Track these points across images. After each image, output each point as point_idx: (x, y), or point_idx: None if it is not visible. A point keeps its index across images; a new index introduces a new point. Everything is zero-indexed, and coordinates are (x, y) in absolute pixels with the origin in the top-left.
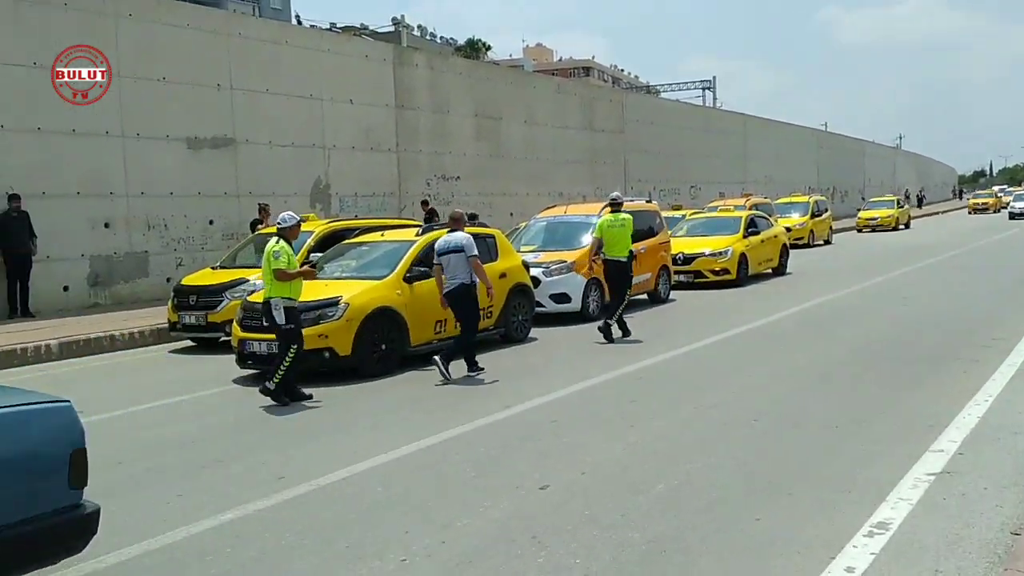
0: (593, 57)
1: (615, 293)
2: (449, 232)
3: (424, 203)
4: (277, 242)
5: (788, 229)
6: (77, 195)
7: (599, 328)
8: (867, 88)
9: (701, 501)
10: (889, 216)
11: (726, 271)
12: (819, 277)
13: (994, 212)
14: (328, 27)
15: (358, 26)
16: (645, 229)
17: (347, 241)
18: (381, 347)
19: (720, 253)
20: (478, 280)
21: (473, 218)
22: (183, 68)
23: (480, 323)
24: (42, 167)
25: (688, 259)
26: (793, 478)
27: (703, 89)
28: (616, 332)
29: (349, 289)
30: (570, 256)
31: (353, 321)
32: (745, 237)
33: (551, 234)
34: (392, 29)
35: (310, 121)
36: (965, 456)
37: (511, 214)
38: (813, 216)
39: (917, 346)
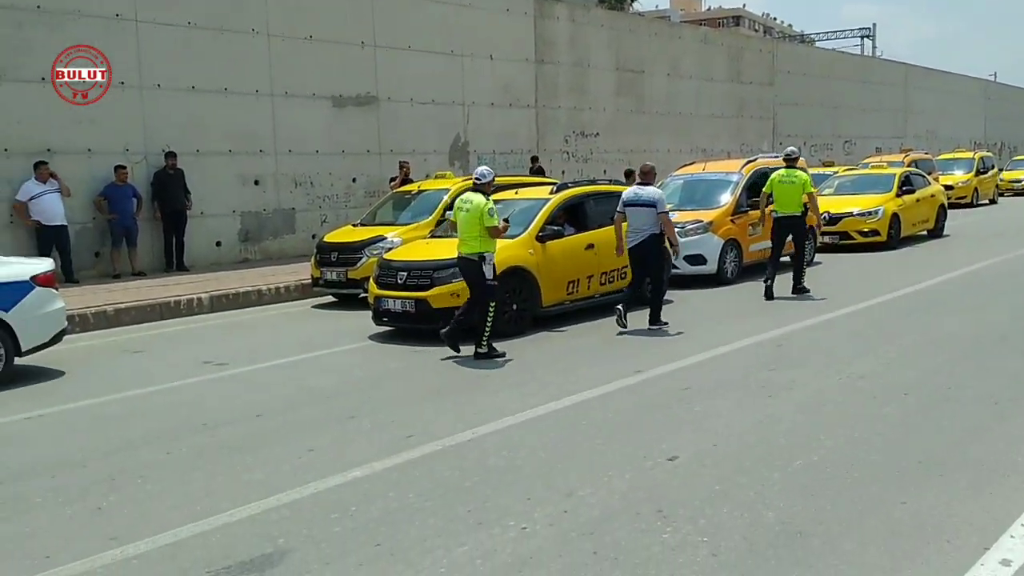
0: (744, 5)
1: (796, 251)
2: (639, 185)
3: (534, 158)
4: (486, 198)
5: (949, 187)
6: (229, 153)
7: (767, 286)
8: None
9: (843, 480)
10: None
11: (876, 232)
12: (979, 240)
13: None
14: None
15: None
16: None
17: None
18: (513, 307)
19: (870, 213)
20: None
21: (629, 176)
22: (328, 26)
23: (612, 284)
24: (196, 125)
25: (834, 219)
26: (945, 458)
27: (862, 37)
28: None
29: None
30: (707, 216)
31: None
32: (898, 196)
33: (688, 193)
34: None
35: (450, 78)
36: None
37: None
38: (978, 173)
39: None
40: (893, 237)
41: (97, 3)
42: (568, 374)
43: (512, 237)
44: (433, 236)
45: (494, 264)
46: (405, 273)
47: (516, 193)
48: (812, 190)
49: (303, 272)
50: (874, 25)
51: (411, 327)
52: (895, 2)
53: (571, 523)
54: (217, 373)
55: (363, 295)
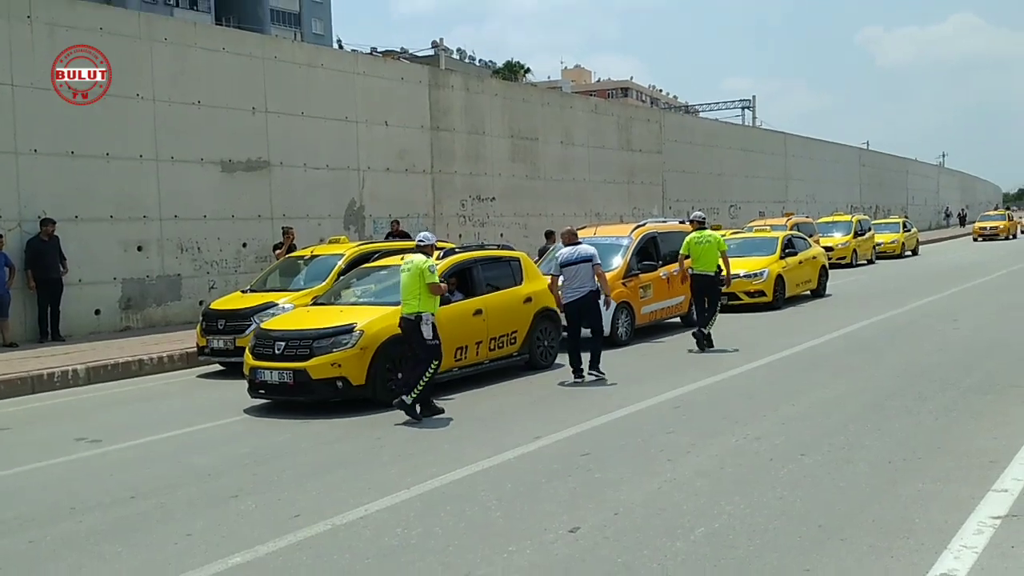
0: (631, 78)
1: (709, 305)
2: (571, 245)
3: (394, 223)
4: (425, 260)
5: (830, 249)
6: (110, 219)
7: (693, 334)
8: (909, 107)
9: (744, 548)
10: (894, 242)
11: (762, 293)
12: (860, 300)
13: (1008, 238)
14: (369, 52)
15: (398, 50)
16: (676, 251)
17: (367, 265)
18: (397, 376)
19: (755, 274)
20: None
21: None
22: (218, 92)
23: (502, 350)
24: (75, 191)
25: None
26: (845, 521)
27: (742, 108)
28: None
29: (364, 315)
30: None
31: (367, 350)
32: (782, 258)
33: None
34: (432, 53)
35: (345, 143)
36: None
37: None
38: (856, 235)
39: (971, 373)
40: (778, 298)
41: None
42: (463, 442)
43: (396, 304)
44: (316, 303)
45: (433, 323)
46: (283, 343)
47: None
48: (725, 248)
49: (188, 340)
50: (753, 97)
51: (289, 400)
52: (774, 76)
53: None
54: (90, 451)
55: None
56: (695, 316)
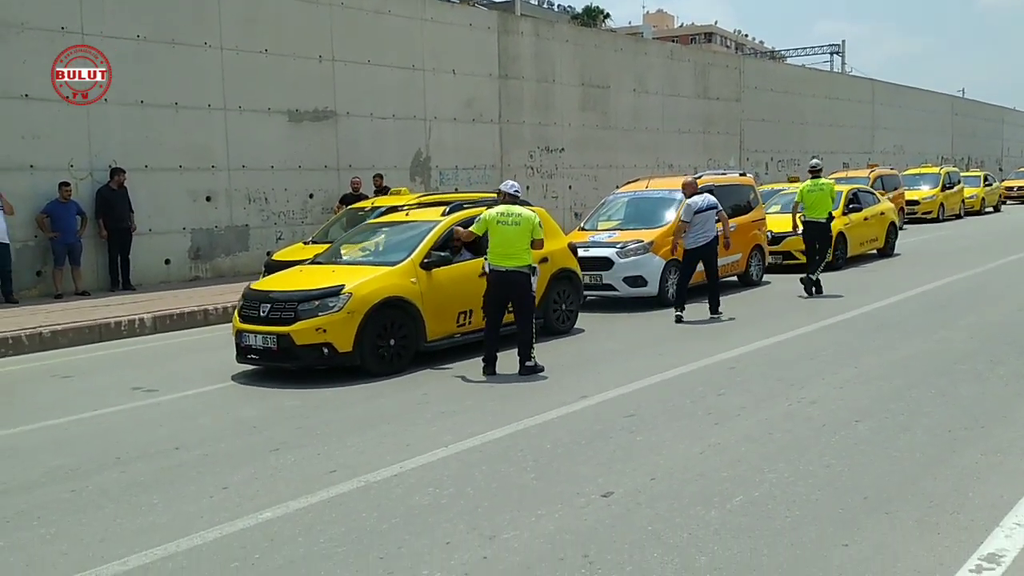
0: (716, 22)
1: (819, 251)
2: (695, 195)
3: (377, 177)
4: (534, 214)
5: (915, 203)
6: (179, 168)
7: (801, 280)
8: (1009, 52)
9: (782, 519)
10: (972, 197)
11: None
12: (936, 258)
13: None
14: None
15: None
16: (738, 204)
17: (371, 220)
18: (390, 342)
19: None
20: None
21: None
22: (285, 40)
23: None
24: (145, 140)
25: (777, 238)
26: (893, 493)
27: (831, 54)
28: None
29: (355, 276)
30: (648, 235)
31: (355, 314)
32: (845, 214)
33: (631, 211)
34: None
35: (411, 92)
36: None
37: (617, 186)
38: (944, 188)
39: None
40: (839, 257)
41: (42, 15)
42: (508, 401)
43: (393, 264)
44: (315, 261)
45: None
46: (268, 305)
47: (407, 214)
48: (834, 194)
49: None
50: (843, 42)
51: (275, 366)
52: (865, 20)
53: (488, 572)
54: (143, 400)
55: None
56: (808, 263)
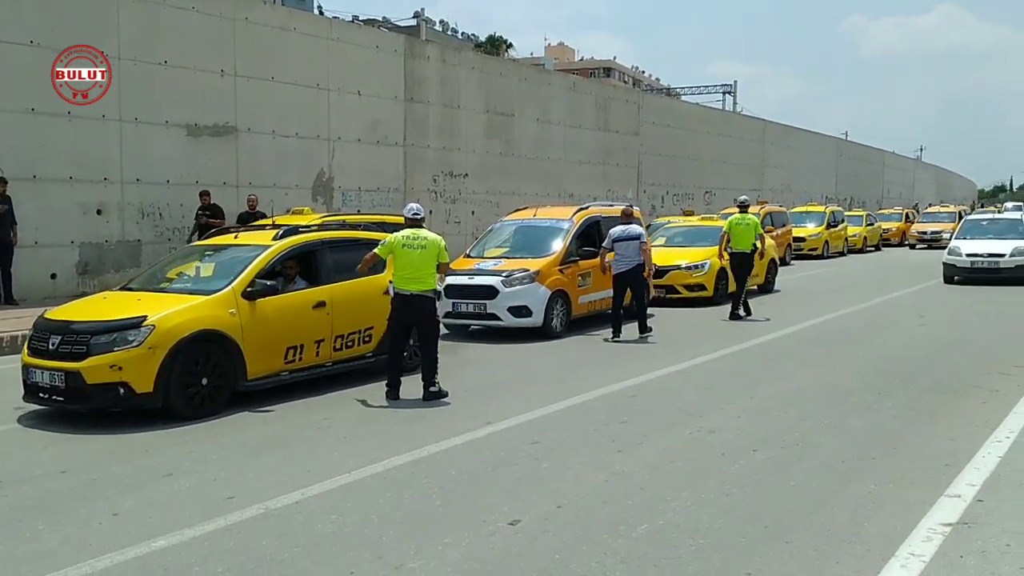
0: (615, 58)
1: (739, 280)
2: (625, 224)
3: (204, 194)
4: (440, 237)
5: (802, 239)
6: (70, 179)
7: (731, 315)
8: (890, 98)
9: (686, 547)
10: (855, 235)
11: (701, 287)
12: (823, 294)
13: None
14: (351, 19)
15: (380, 19)
16: None
17: (197, 242)
18: (202, 381)
19: (696, 266)
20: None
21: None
22: (186, 52)
23: (351, 349)
24: (35, 150)
25: (660, 272)
26: (792, 522)
27: (723, 93)
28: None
29: (162, 306)
30: (535, 264)
31: (158, 349)
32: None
33: (518, 239)
34: (414, 23)
35: (315, 111)
36: (985, 504)
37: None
38: (829, 227)
39: (934, 371)
40: (720, 292)
41: None
42: (412, 425)
43: (210, 293)
44: (125, 288)
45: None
46: (58, 337)
47: (235, 237)
48: (761, 231)
49: None
50: (735, 82)
51: (62, 408)
52: (757, 62)
53: None
54: (27, 421)
55: None
56: (737, 290)
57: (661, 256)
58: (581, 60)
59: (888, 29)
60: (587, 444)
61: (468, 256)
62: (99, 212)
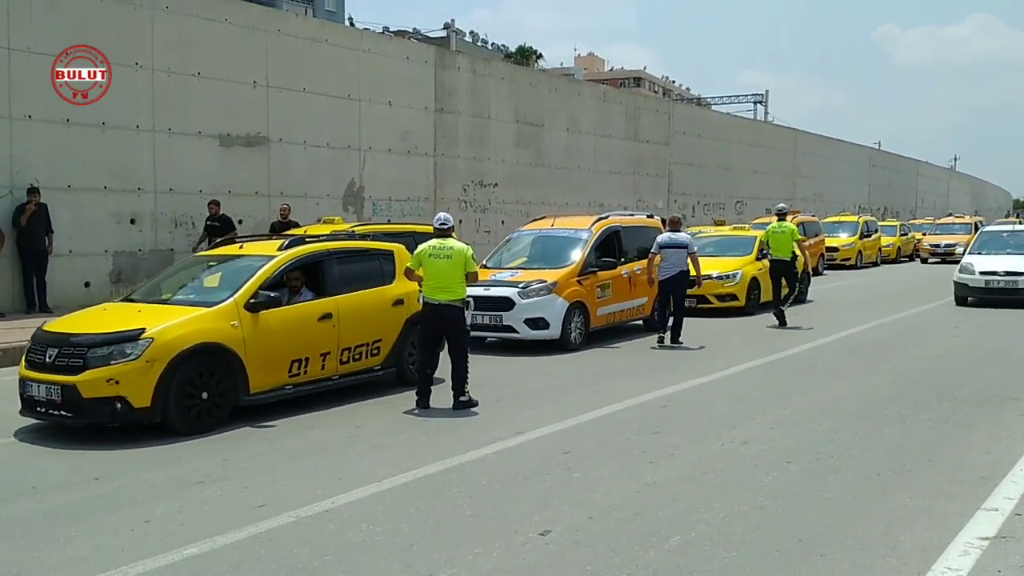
0: (645, 68)
1: (787, 285)
2: (672, 232)
3: (213, 204)
4: (467, 247)
5: (835, 249)
6: (104, 189)
7: (774, 313)
8: (923, 108)
9: (719, 560)
10: (889, 246)
11: (733, 296)
12: (856, 304)
13: None
14: (381, 31)
15: (410, 31)
16: (644, 247)
17: (201, 253)
18: (202, 396)
19: (727, 276)
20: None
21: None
22: (218, 64)
23: (359, 362)
24: (69, 160)
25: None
26: (826, 536)
27: (755, 103)
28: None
29: (162, 319)
30: (552, 275)
31: (156, 363)
32: (758, 259)
33: (536, 249)
34: (444, 34)
35: (346, 122)
36: (1023, 517)
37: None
38: (862, 237)
39: (969, 383)
40: (752, 302)
41: None
42: (443, 435)
43: (211, 305)
44: (126, 299)
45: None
46: (55, 350)
47: (241, 248)
48: (799, 237)
49: None
50: (766, 92)
51: (59, 422)
52: (788, 71)
53: None
54: (60, 426)
55: None
56: (775, 298)
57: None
58: (611, 70)
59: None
60: (618, 454)
61: (485, 267)
62: (132, 221)
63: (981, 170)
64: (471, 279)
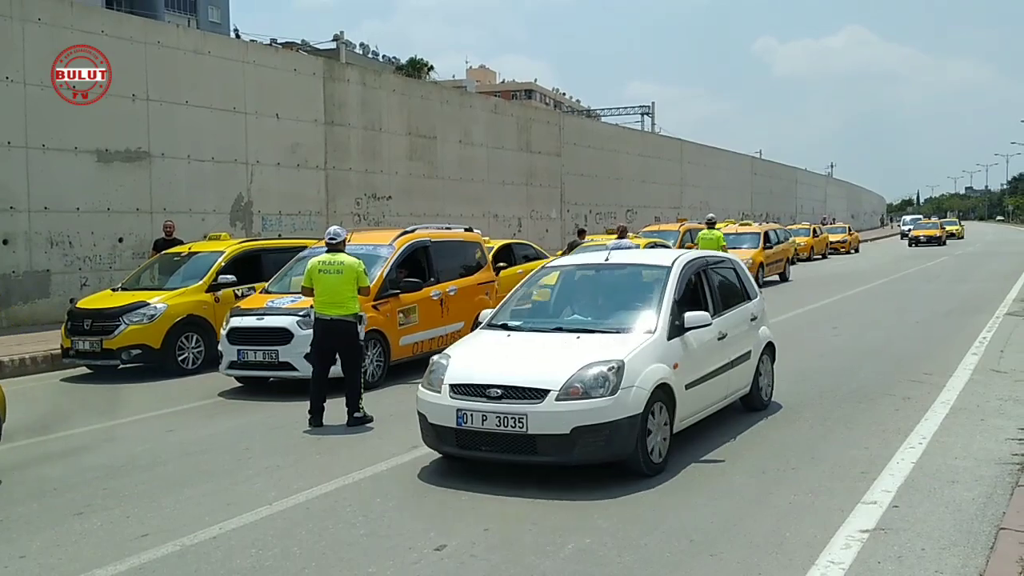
0: (536, 80)
1: None
2: (619, 238)
3: (166, 226)
4: (359, 261)
5: None
6: None
7: None
8: (801, 117)
9: (614, 564)
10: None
11: None
12: None
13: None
14: (268, 43)
15: (299, 43)
16: (461, 265)
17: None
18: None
19: None
20: None
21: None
22: None
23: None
24: None
25: None
26: (717, 535)
27: (642, 114)
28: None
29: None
30: None
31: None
32: None
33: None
34: (333, 46)
35: (232, 135)
36: (900, 509)
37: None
38: (766, 247)
39: (848, 381)
40: None
41: None
42: (337, 452)
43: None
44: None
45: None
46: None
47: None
48: (724, 244)
49: (55, 341)
50: (653, 103)
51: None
52: (673, 83)
53: None
54: None
55: (122, 366)
56: None
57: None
58: (503, 82)
59: (797, 50)
60: (513, 467)
61: (268, 291)
62: (5, 242)
63: (857, 176)
64: (363, 293)
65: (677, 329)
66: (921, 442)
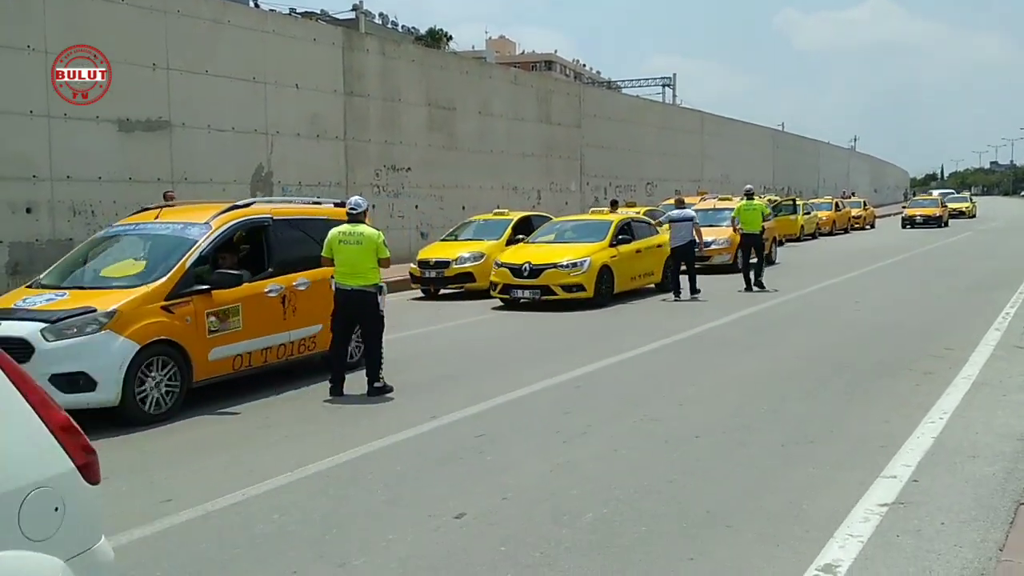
0: (556, 51)
1: (757, 256)
2: (679, 208)
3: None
4: (378, 232)
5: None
6: None
7: (754, 284)
8: (824, 90)
9: (630, 535)
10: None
11: (580, 287)
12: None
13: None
14: (288, 12)
15: (318, 12)
16: (317, 253)
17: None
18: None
19: (574, 265)
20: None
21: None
22: (116, 46)
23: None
24: None
25: (535, 271)
26: (734, 507)
27: (663, 86)
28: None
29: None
30: (114, 298)
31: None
32: (613, 246)
33: (116, 257)
34: (352, 16)
35: (252, 105)
36: (920, 483)
37: (463, 207)
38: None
39: (868, 355)
40: (602, 293)
41: None
42: (357, 422)
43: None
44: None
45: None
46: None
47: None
48: (768, 212)
49: None
50: (674, 75)
51: None
52: (695, 56)
53: None
54: None
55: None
56: (741, 267)
57: (538, 254)
58: (522, 53)
59: (821, 22)
60: (532, 436)
61: (41, 284)
62: (28, 211)
63: (880, 150)
64: (384, 264)
65: None
66: (942, 417)
